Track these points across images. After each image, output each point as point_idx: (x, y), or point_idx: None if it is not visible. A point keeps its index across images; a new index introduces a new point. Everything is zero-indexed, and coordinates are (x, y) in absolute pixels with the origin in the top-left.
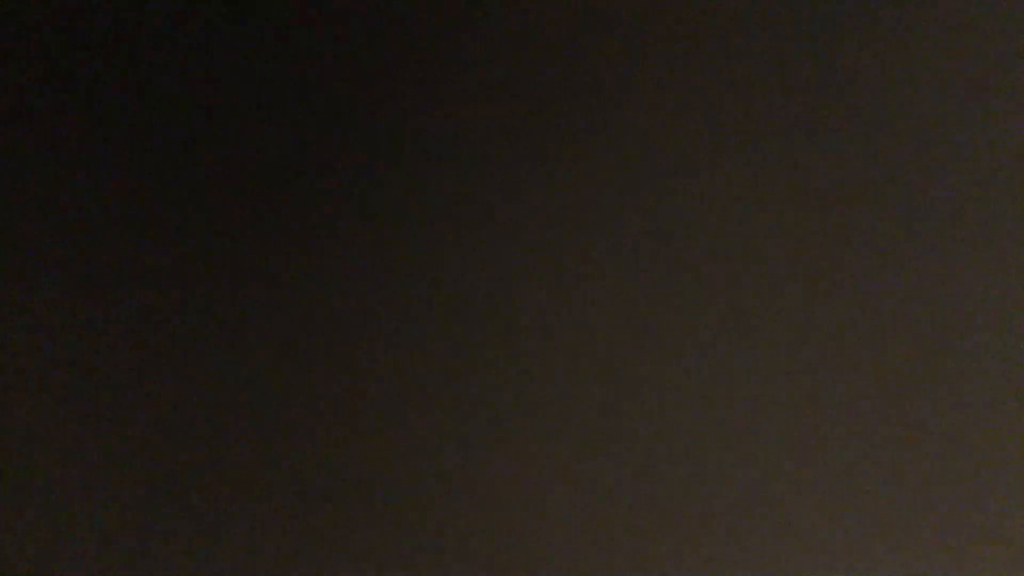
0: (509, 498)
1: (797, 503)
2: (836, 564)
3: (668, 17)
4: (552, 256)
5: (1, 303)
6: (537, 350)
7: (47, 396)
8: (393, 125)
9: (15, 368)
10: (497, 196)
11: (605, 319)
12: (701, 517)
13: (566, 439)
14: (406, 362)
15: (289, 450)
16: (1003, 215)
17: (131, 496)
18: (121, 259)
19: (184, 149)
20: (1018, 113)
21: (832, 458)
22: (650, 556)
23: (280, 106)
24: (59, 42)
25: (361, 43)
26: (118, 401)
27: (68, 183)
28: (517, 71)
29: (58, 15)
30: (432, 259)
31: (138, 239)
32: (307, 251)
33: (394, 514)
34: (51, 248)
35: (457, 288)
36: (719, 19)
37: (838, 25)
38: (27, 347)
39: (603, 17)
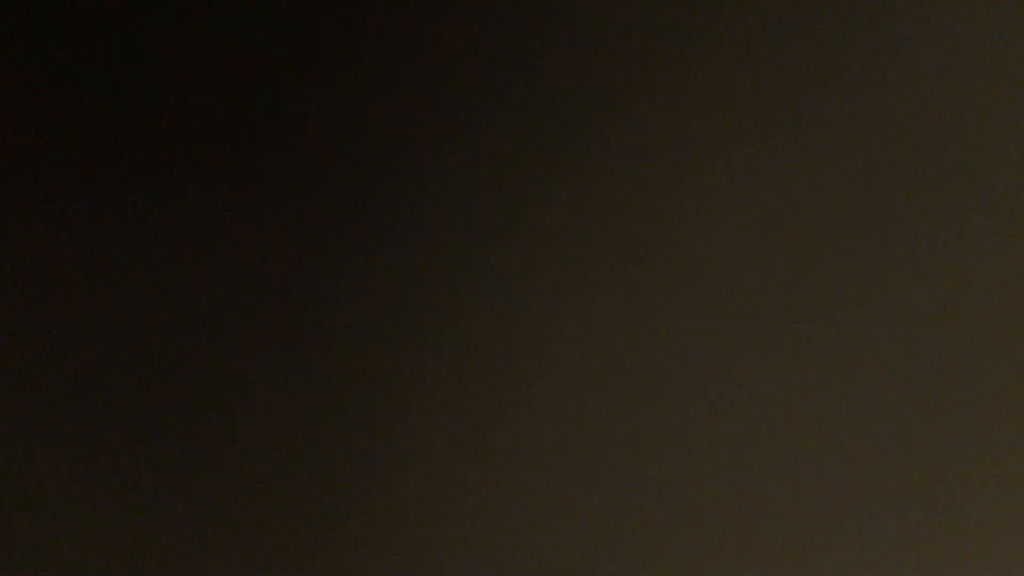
0: (508, 499)
1: (798, 505)
2: (837, 565)
3: (669, 17)
4: (553, 257)
5: (1, 303)
6: (536, 351)
7: (47, 396)
8: (394, 126)
9: (15, 368)
10: (497, 197)
11: (606, 320)
12: (701, 520)
13: (566, 440)
14: (405, 363)
15: (289, 451)
16: (1004, 215)
17: (131, 497)
18: (121, 259)
19: (183, 149)
20: (1018, 113)
21: (833, 460)
22: (650, 557)
23: (281, 106)
24: (59, 42)
25: (363, 43)
26: (118, 401)
27: (67, 182)
28: (517, 72)
29: (57, 15)
30: (431, 260)
31: (138, 239)
32: (306, 251)
33: (394, 515)
34: (51, 248)
35: (457, 289)
36: (721, 21)
37: (839, 26)
38: (27, 347)
39: (604, 18)
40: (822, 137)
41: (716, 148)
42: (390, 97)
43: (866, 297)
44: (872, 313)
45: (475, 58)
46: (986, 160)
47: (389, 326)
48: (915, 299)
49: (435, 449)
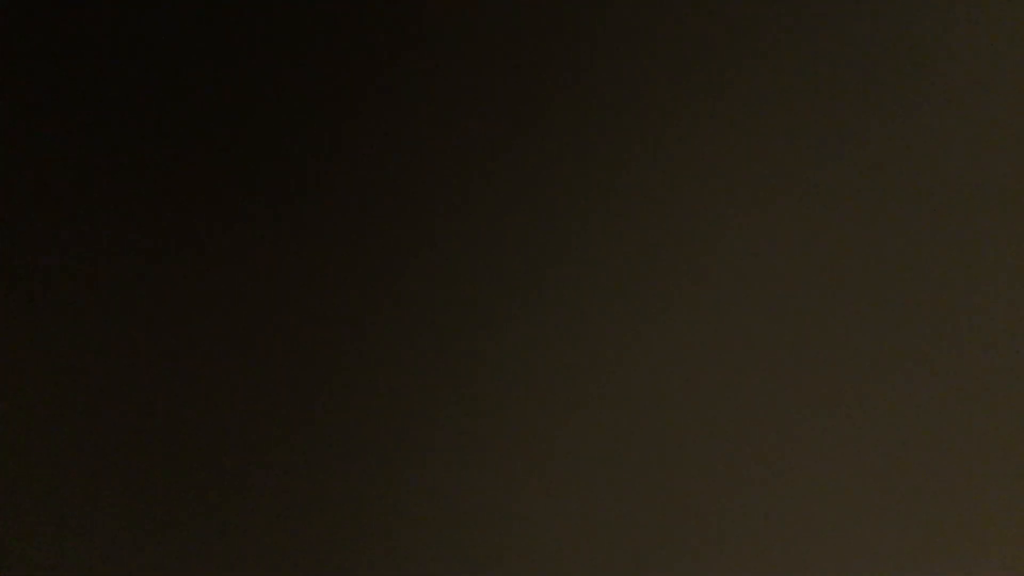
0: (507, 500)
1: (795, 505)
2: (836, 565)
3: (668, 16)
4: (552, 256)
5: (1, 303)
6: (534, 351)
7: (47, 396)
8: (390, 124)
9: (15, 368)
10: (494, 196)
11: (603, 320)
12: (699, 520)
13: (565, 441)
14: (403, 363)
15: (288, 452)
16: (1003, 215)
17: (131, 498)
18: (121, 258)
19: (183, 148)
20: (1018, 113)
21: (831, 460)
22: (647, 557)
23: (279, 105)
24: (59, 42)
25: (359, 42)
26: (117, 402)
27: (68, 182)
28: (513, 70)
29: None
30: (429, 259)
31: (138, 238)
32: (304, 251)
33: (392, 516)
34: (51, 248)
35: (454, 289)
36: (721, 19)
37: (840, 26)
38: (27, 347)
39: (604, 16)
40: (826, 138)
41: (717, 145)
42: (385, 95)
43: (869, 299)
44: (876, 315)
45: (476, 54)
46: (987, 160)
47: (384, 325)
48: (918, 301)
49: (438, 452)
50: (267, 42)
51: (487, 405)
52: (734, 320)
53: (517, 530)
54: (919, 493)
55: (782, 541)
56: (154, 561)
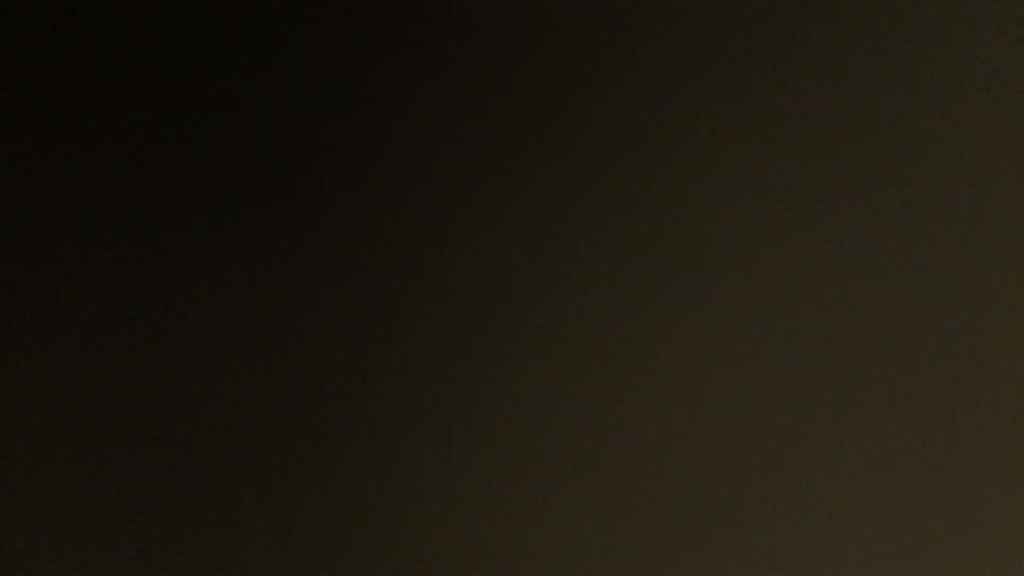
0: (507, 501)
1: (795, 505)
2: (836, 565)
3: (666, 14)
4: (549, 255)
5: (1, 303)
6: (534, 351)
7: (47, 396)
8: (387, 124)
9: (15, 368)
10: (491, 195)
11: (602, 319)
12: (698, 520)
13: (563, 441)
14: (403, 363)
15: (289, 452)
16: (1003, 215)
17: (131, 498)
18: (122, 259)
19: (183, 147)
20: (1018, 113)
21: (830, 460)
22: (645, 558)
23: (279, 105)
24: (59, 42)
25: (354, 42)
26: (118, 403)
27: (69, 181)
28: (511, 69)
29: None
30: (428, 259)
31: (140, 238)
32: (304, 252)
33: (392, 517)
34: (52, 247)
35: (454, 289)
36: (719, 17)
37: (838, 25)
38: (28, 347)
39: (601, 14)
40: (824, 135)
41: (715, 143)
42: (381, 94)
43: (868, 298)
44: (876, 315)
45: (474, 54)
46: (987, 160)
47: (383, 326)
48: (917, 300)
49: (432, 451)
50: (271, 42)
51: (495, 409)
52: (744, 326)
53: (524, 532)
54: (920, 494)
55: (790, 543)
56: (151, 561)
